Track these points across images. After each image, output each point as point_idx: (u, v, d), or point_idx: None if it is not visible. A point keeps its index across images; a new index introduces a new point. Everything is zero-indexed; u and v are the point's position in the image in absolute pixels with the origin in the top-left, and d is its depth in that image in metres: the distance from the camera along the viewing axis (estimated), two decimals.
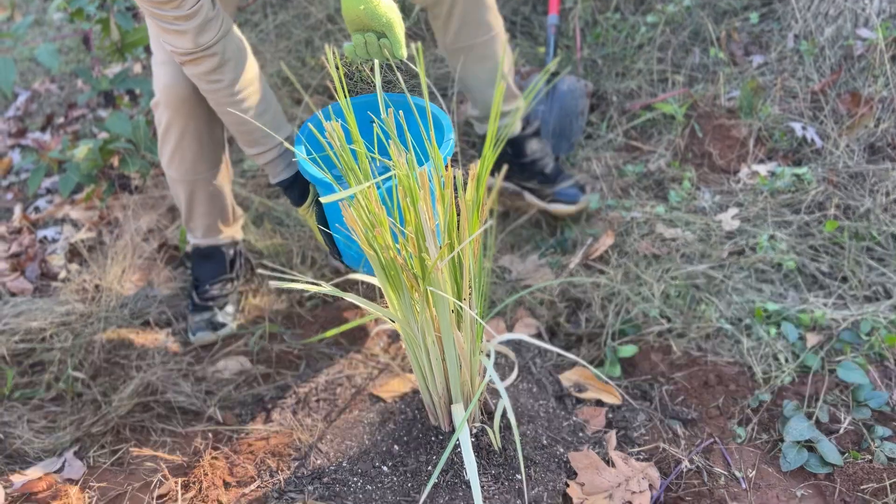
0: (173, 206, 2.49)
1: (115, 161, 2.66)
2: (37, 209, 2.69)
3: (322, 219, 1.62)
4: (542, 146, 2.22)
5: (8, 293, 2.20)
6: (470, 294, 1.38)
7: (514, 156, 2.18)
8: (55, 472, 1.57)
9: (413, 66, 1.46)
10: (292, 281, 1.53)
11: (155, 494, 1.49)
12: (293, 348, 1.85)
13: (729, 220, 2.02)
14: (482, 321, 1.33)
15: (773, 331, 1.70)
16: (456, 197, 1.26)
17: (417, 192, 1.23)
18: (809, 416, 1.54)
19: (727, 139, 2.36)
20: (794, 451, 1.49)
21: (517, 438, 1.34)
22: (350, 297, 1.38)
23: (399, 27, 1.43)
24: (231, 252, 2.07)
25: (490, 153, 1.26)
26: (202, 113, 1.76)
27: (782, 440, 1.52)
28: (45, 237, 2.48)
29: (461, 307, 1.34)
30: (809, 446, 1.50)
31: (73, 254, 2.33)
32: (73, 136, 3.08)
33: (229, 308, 2.01)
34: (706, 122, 2.45)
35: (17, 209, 2.70)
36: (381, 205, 1.23)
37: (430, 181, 1.23)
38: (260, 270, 2.01)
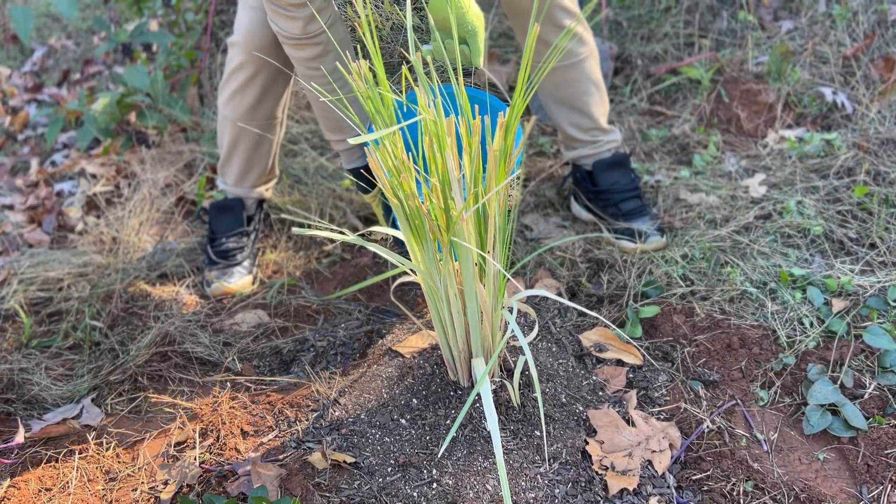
0: (191, 161, 2.47)
1: (133, 116, 2.64)
2: (53, 163, 2.68)
3: (388, 209, 1.68)
4: (622, 178, 1.97)
5: (25, 244, 2.20)
6: (494, 247, 1.36)
7: (589, 182, 2.02)
8: (73, 418, 1.58)
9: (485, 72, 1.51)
10: (315, 228, 1.51)
11: (173, 441, 1.49)
12: (311, 303, 1.84)
13: (756, 185, 1.98)
14: (507, 273, 1.31)
15: (798, 295, 1.67)
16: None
17: (445, 140, 1.21)
18: (834, 380, 1.52)
19: (754, 104, 2.31)
20: (817, 414, 1.47)
21: (538, 393, 1.32)
22: (373, 247, 1.36)
23: (481, 36, 1.44)
24: (252, 207, 2.06)
25: (520, 101, 1.23)
26: (274, 65, 1.79)
27: (805, 404, 1.50)
28: (61, 191, 2.48)
29: (485, 259, 1.32)
30: (833, 410, 1.48)
31: (91, 206, 2.33)
32: (90, 91, 3.06)
33: (245, 262, 2.00)
34: (733, 87, 2.40)
35: (34, 163, 2.69)
36: (406, 151, 1.21)
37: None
38: (283, 216, 1.99)
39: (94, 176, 2.47)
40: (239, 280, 1.95)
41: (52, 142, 2.62)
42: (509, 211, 1.43)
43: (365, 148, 1.28)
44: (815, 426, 1.46)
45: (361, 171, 1.78)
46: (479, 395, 1.45)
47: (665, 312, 1.71)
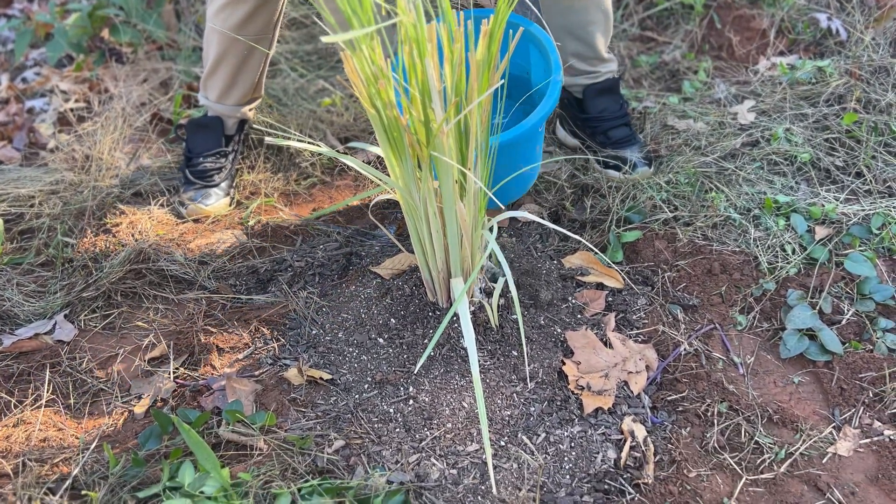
0: (167, 80, 2.39)
1: (106, 32, 2.54)
2: (24, 80, 2.59)
3: None
4: (612, 105, 1.91)
5: None
6: (475, 163, 1.32)
7: (577, 109, 1.96)
8: (45, 333, 1.55)
9: None
10: (290, 140, 1.46)
11: (147, 357, 1.47)
12: (289, 224, 1.81)
13: (744, 112, 1.94)
14: (488, 191, 1.28)
15: (781, 222, 1.66)
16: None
17: (425, 46, 1.16)
18: (813, 306, 1.52)
19: (747, 30, 2.25)
20: (794, 338, 1.48)
21: (518, 308, 1.31)
22: (349, 161, 1.32)
23: None
24: (233, 127, 1.98)
25: (505, 7, 1.17)
26: None
27: (783, 329, 1.50)
28: (32, 107, 2.39)
29: (465, 175, 1.29)
30: (810, 335, 1.48)
31: (62, 123, 2.25)
32: (62, 5, 2.93)
33: (223, 184, 1.94)
34: (726, 13, 2.34)
35: (4, 79, 2.60)
36: (384, 57, 1.16)
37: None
38: (257, 127, 1.92)
39: (65, 92, 2.38)
40: (216, 202, 1.90)
41: (21, 56, 2.52)
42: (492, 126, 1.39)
43: (341, 53, 1.21)
44: (792, 350, 1.47)
45: None
46: (456, 314, 1.44)
47: (647, 238, 1.69)
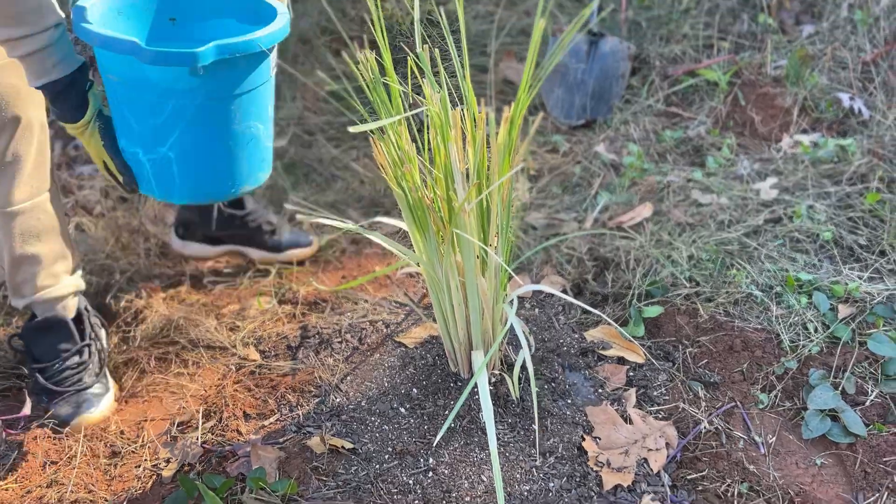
0: None
1: None
2: (76, 147, 2.73)
3: (109, 134, 1.34)
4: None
5: None
6: (496, 240, 1.37)
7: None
8: None
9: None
10: (321, 217, 1.52)
11: (176, 421, 1.52)
12: (318, 292, 1.87)
13: (767, 188, 1.97)
14: (508, 267, 1.32)
15: (804, 300, 1.67)
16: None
17: (449, 131, 1.22)
18: (836, 386, 1.51)
19: (770, 108, 2.30)
20: (817, 419, 1.47)
21: (533, 382, 1.33)
22: (374, 237, 1.38)
23: None
24: (74, 308, 1.59)
25: (525, 96, 1.24)
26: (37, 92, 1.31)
27: (805, 408, 1.49)
28: (81, 173, 2.52)
29: (486, 252, 1.34)
30: (833, 416, 1.47)
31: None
32: None
33: (98, 380, 1.58)
34: (750, 91, 2.39)
35: (58, 146, 2.74)
36: (410, 142, 1.23)
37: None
38: (288, 206, 1.95)
39: None
40: (105, 404, 1.54)
41: None
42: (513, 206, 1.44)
43: (369, 138, 1.26)
44: (814, 431, 1.46)
45: (58, 89, 1.31)
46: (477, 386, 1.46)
47: (668, 313, 1.71)
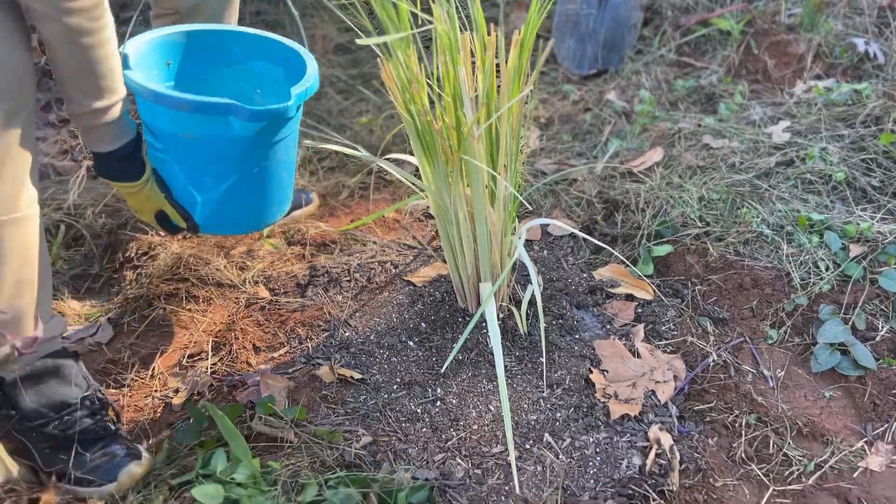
0: None
1: None
2: None
3: (165, 186, 1.39)
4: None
5: (56, 173, 2.25)
6: (506, 172, 1.36)
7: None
8: (90, 335, 1.62)
9: None
10: (329, 142, 1.51)
11: (186, 354, 1.53)
12: (327, 233, 1.87)
13: (779, 131, 1.95)
14: (518, 195, 1.31)
15: (815, 239, 1.65)
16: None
17: (458, 52, 1.21)
18: (846, 321, 1.51)
19: (784, 55, 2.27)
20: (826, 352, 1.46)
21: (540, 312, 1.33)
22: (384, 164, 1.37)
23: None
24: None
25: (535, 16, 1.22)
26: (35, 105, 1.18)
27: (815, 344, 1.49)
28: None
29: (495, 180, 1.33)
30: (843, 350, 1.47)
31: None
32: None
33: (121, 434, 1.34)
34: (763, 39, 2.36)
35: None
36: (419, 64, 1.21)
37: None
38: (308, 141, 1.87)
39: None
40: (144, 458, 1.30)
41: None
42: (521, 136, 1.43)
43: (378, 59, 1.26)
44: (824, 364, 1.46)
45: (119, 157, 1.31)
46: (484, 317, 1.46)
47: (678, 252, 1.70)
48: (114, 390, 1.46)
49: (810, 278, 1.59)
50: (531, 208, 1.90)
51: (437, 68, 1.27)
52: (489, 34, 1.23)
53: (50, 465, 1.28)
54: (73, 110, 1.24)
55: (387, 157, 1.59)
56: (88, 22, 1.14)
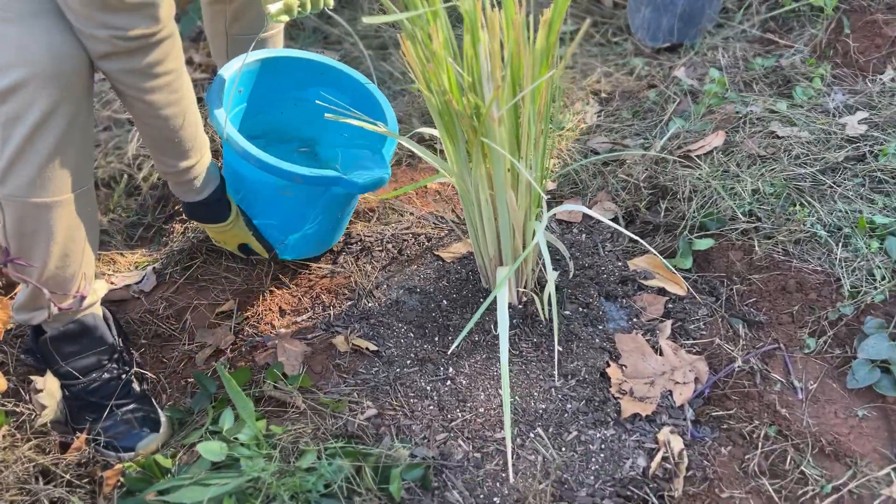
0: None
1: None
2: None
3: (250, 223, 1.54)
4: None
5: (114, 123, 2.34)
6: (536, 151, 1.32)
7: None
8: (136, 283, 1.70)
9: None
10: (350, 118, 1.50)
11: (217, 311, 1.59)
12: (367, 200, 1.88)
13: (855, 123, 1.80)
14: (534, 183, 1.27)
15: (874, 245, 1.53)
16: None
17: (479, 32, 1.17)
18: (892, 337, 1.40)
19: (877, 37, 2.08)
20: (865, 368, 1.37)
21: (553, 300, 1.29)
22: (404, 141, 1.36)
23: None
24: (99, 312, 1.39)
25: None
26: (89, 92, 1.16)
27: (855, 358, 1.39)
28: None
29: (515, 164, 1.29)
30: (885, 367, 1.37)
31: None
32: None
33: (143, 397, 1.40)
34: (857, 17, 2.17)
35: None
36: (444, 43, 1.18)
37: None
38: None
39: (201, 65, 2.58)
40: (159, 429, 1.36)
41: None
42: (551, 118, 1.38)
43: (399, 36, 1.23)
44: (861, 381, 1.36)
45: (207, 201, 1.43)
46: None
47: (721, 247, 1.62)
48: (144, 341, 1.54)
49: (862, 286, 1.48)
50: (561, 193, 1.84)
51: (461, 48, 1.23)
52: (515, 13, 1.18)
53: (77, 422, 1.37)
54: (162, 170, 1.36)
55: (419, 130, 1.57)
56: (169, 95, 1.22)
